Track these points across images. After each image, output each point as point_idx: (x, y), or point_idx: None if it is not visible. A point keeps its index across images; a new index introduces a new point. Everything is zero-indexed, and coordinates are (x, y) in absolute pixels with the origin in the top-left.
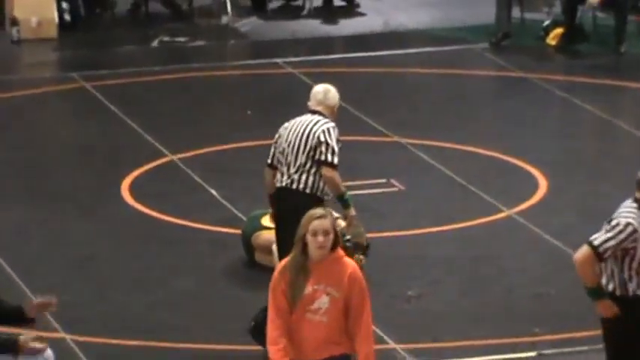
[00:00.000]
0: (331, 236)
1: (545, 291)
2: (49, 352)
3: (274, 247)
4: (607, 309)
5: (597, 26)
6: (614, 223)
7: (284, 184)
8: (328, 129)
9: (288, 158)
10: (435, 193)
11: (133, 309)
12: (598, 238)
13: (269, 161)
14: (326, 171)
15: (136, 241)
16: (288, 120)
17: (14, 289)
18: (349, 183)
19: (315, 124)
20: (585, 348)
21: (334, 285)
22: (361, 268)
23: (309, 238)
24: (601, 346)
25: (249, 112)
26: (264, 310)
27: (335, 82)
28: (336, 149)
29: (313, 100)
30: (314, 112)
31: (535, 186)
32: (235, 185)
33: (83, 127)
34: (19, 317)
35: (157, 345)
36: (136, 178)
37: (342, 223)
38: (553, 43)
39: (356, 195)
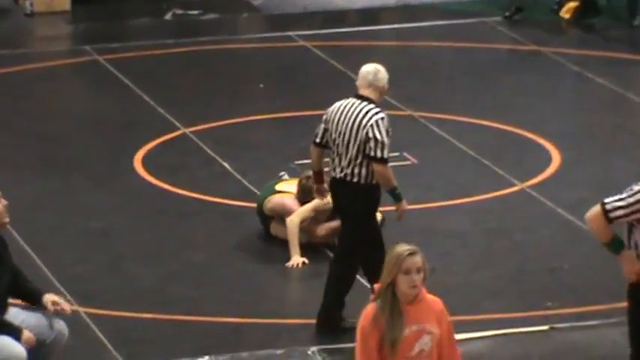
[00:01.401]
0: (422, 273)
1: (558, 265)
2: (62, 324)
3: (288, 220)
4: (629, 261)
5: (610, 0)
6: (630, 187)
7: (338, 176)
8: (377, 122)
9: (340, 149)
10: (448, 167)
11: (146, 282)
12: (611, 199)
13: (317, 140)
14: (376, 166)
15: (149, 214)
16: (301, 93)
17: (27, 262)
18: None
19: (365, 115)
20: (598, 322)
21: (432, 322)
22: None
23: (400, 277)
24: (614, 320)
25: (261, 86)
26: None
27: (347, 55)
28: (386, 142)
29: (363, 81)
30: (362, 98)
31: (548, 160)
32: (247, 158)
33: (96, 100)
34: (34, 300)
35: (169, 318)
36: (149, 151)
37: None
38: (567, 16)
39: None
